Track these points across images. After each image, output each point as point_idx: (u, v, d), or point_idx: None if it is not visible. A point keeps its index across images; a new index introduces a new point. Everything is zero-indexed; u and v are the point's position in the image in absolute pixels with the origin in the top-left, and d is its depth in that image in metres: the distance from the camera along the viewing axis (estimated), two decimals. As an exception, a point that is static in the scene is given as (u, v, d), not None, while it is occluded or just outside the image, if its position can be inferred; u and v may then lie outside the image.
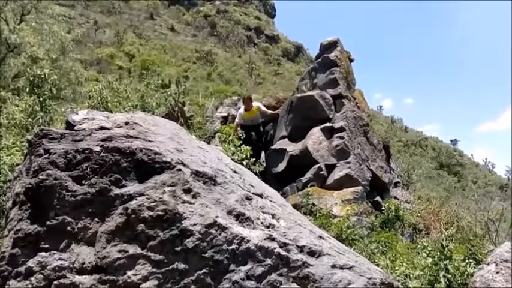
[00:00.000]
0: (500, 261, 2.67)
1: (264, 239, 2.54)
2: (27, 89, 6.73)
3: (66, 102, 9.90)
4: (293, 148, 8.27)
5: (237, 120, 9.17)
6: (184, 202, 2.44)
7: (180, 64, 29.83)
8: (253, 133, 9.13)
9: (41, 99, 6.37)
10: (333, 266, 2.72)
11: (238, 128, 8.74)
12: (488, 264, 2.76)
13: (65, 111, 6.92)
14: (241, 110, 9.21)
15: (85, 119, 2.93)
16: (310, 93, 8.70)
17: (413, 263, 5.05)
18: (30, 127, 6.26)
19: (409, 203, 10.02)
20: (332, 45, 9.30)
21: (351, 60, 9.80)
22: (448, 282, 4.28)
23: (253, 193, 3.05)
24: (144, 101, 9.34)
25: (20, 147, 4.96)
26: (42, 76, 6.54)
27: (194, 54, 32.96)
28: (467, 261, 4.43)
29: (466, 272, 4.28)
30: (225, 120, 12.24)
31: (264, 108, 9.41)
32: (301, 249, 2.70)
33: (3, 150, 4.82)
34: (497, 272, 2.62)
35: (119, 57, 27.50)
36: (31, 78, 6.56)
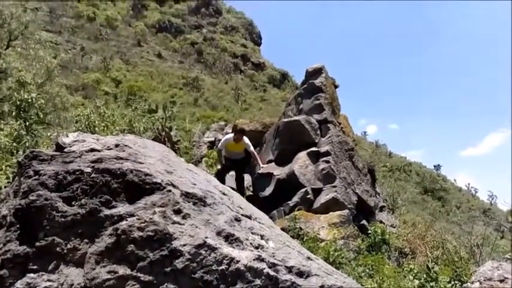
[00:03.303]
0: (484, 280, 2.73)
1: (253, 260, 2.56)
2: (14, 113, 6.69)
3: (51, 127, 9.83)
4: (280, 172, 8.34)
5: (219, 146, 8.40)
6: (174, 223, 2.45)
7: (166, 90, 29.99)
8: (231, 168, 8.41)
9: (27, 123, 6.32)
10: (322, 287, 2.74)
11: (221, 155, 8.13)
12: (472, 282, 2.82)
13: (51, 136, 6.88)
14: (229, 137, 8.32)
15: (75, 141, 2.95)
16: (296, 118, 8.86)
17: (400, 286, 5.07)
18: (15, 151, 6.19)
19: (394, 227, 10.11)
20: (317, 71, 9.56)
21: (336, 87, 10.07)
22: (434, 304, 4.31)
23: (242, 214, 3.08)
24: (131, 125, 9.34)
25: (5, 171, 4.90)
26: (30, 100, 6.52)
27: (181, 81, 33.21)
28: (452, 282, 4.48)
29: (452, 294, 4.33)
30: (211, 144, 12.31)
31: (251, 148, 8.38)
32: (289, 269, 2.72)
33: (-12, 175, 4.76)
34: (481, 290, 2.68)
35: (105, 82, 27.50)
36: (18, 103, 6.53)
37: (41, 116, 7.10)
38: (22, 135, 6.19)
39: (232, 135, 8.31)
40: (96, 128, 7.63)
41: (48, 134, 7.03)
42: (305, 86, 9.64)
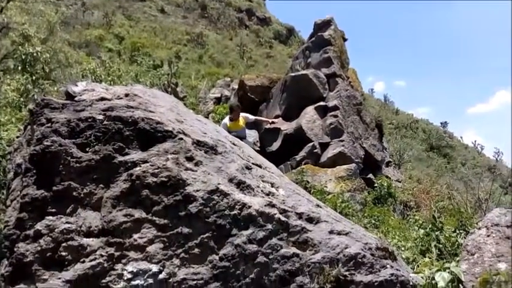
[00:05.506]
0: (491, 225, 2.78)
1: (265, 205, 2.62)
2: (19, 68, 6.62)
3: (57, 83, 9.77)
4: (287, 127, 8.33)
5: None
6: (187, 169, 2.49)
7: (170, 47, 29.44)
8: None
9: (34, 77, 6.28)
10: (331, 232, 2.81)
11: None
12: (479, 228, 2.88)
13: (58, 90, 6.86)
14: (226, 119, 7.86)
15: (85, 90, 2.93)
16: (304, 72, 8.73)
17: (405, 236, 5.18)
18: (23, 106, 6.20)
19: (400, 181, 10.21)
20: (326, 24, 9.30)
21: (345, 40, 9.82)
22: (439, 252, 4.41)
23: (252, 163, 3.11)
24: (137, 80, 9.24)
25: (15, 123, 4.94)
26: (35, 54, 6.43)
27: (185, 37, 32.49)
28: (457, 231, 4.56)
29: (457, 243, 4.41)
30: (218, 100, 12.25)
31: (250, 117, 8.04)
32: (300, 215, 2.79)
33: (-1, 127, 4.80)
34: (488, 236, 2.73)
35: (108, 39, 26.98)
36: (23, 57, 6.45)
37: (47, 71, 7.03)
38: (29, 90, 6.18)
39: (227, 117, 7.90)
40: (103, 83, 7.56)
41: (55, 88, 7.02)
42: (313, 39, 9.41)
